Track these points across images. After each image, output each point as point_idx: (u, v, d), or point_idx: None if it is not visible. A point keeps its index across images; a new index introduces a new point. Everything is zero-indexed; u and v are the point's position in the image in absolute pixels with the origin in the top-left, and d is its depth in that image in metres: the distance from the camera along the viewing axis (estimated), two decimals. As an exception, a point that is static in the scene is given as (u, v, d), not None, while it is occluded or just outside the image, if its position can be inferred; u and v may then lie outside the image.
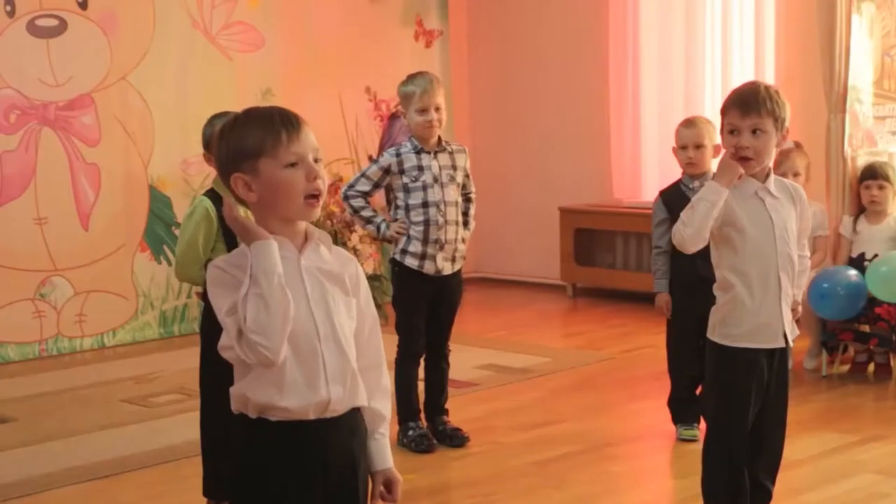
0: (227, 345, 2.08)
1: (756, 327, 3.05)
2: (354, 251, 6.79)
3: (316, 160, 2.15)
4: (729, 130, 3.03)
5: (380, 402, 2.27)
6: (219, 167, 2.21)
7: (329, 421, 2.15)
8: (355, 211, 4.38)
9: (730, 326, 3.07)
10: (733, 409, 3.08)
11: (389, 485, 2.26)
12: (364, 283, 2.26)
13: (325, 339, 2.14)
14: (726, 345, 3.08)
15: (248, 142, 2.12)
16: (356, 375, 2.18)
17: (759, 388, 3.07)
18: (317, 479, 2.15)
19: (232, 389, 2.17)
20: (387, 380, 2.30)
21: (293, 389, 2.11)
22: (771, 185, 3.07)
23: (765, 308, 3.05)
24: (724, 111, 3.07)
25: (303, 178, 2.12)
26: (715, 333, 3.12)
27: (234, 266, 2.10)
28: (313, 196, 2.14)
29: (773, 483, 3.20)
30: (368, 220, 4.38)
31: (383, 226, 4.35)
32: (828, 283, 5.12)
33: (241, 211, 3.41)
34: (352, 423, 2.19)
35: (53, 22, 6.26)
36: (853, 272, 5.17)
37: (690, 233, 2.98)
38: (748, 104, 3.00)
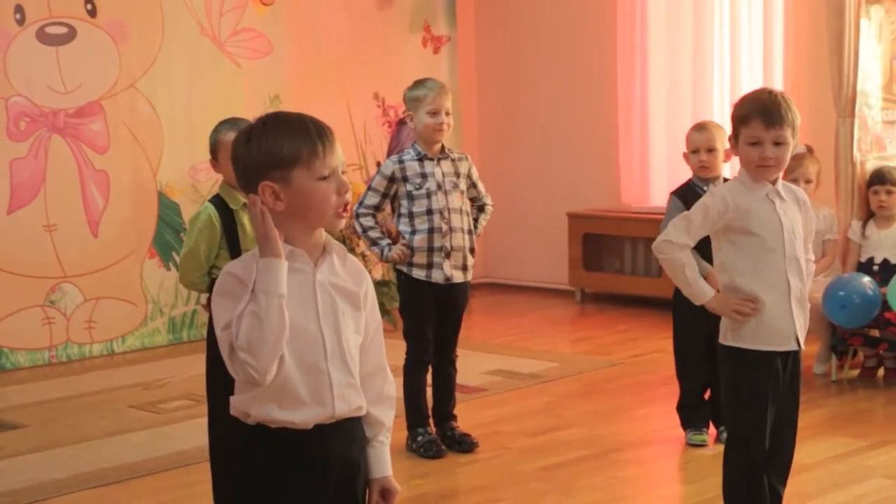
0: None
1: (768, 330, 3.04)
2: (363, 257, 6.80)
3: (343, 172, 2.15)
4: (751, 143, 3.01)
5: (381, 409, 2.25)
6: (242, 172, 2.13)
7: (327, 427, 2.14)
8: (364, 230, 4.38)
9: (742, 329, 3.05)
10: (752, 411, 3.06)
11: (386, 494, 2.24)
12: (372, 294, 2.25)
13: (331, 356, 2.13)
14: (741, 347, 3.06)
15: (282, 150, 2.08)
16: (358, 389, 2.18)
17: (775, 390, 3.05)
18: (316, 485, 2.14)
19: (232, 399, 2.16)
20: (390, 387, 2.28)
21: (297, 405, 2.10)
22: (780, 188, 3.08)
23: (775, 310, 3.03)
24: (744, 120, 3.03)
25: (334, 192, 2.11)
26: (727, 338, 3.10)
27: (247, 275, 2.07)
28: (342, 208, 2.14)
29: (784, 486, 3.18)
30: (374, 242, 4.38)
31: (386, 249, 4.35)
32: (843, 291, 5.10)
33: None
34: (350, 430, 2.18)
35: (63, 30, 6.28)
36: (867, 279, 5.16)
37: (663, 260, 3.11)
38: (772, 116, 2.99)
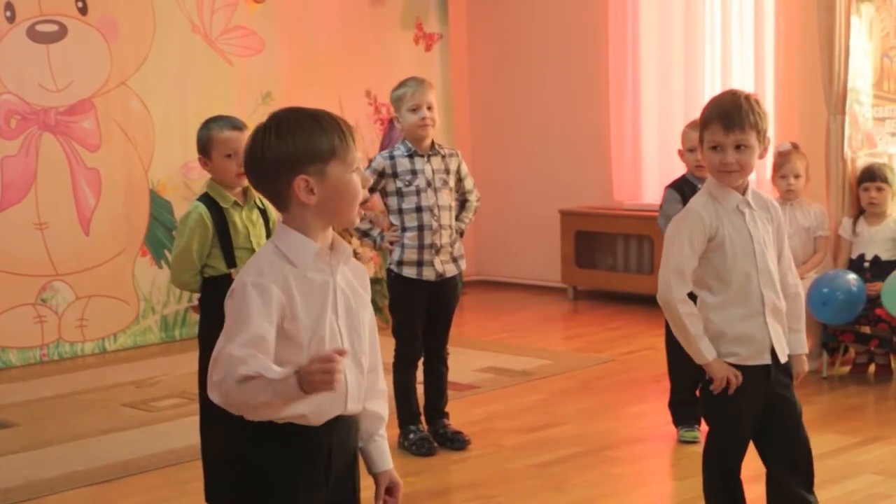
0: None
1: (739, 346, 2.95)
2: (354, 254, 6.79)
3: None
4: (711, 147, 2.93)
5: (378, 404, 2.28)
6: (272, 167, 2.10)
7: (331, 421, 2.16)
8: None
9: (716, 346, 2.96)
10: (727, 427, 3.02)
11: (392, 489, 2.26)
12: (368, 291, 2.27)
13: (346, 359, 2.11)
14: None
15: (321, 143, 2.09)
16: (364, 387, 2.21)
17: (753, 404, 2.98)
18: (320, 478, 2.16)
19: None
20: (384, 382, 2.31)
21: (312, 403, 2.08)
22: (749, 198, 2.99)
23: (747, 325, 2.95)
24: (705, 124, 2.95)
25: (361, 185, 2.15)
26: None
27: (281, 289, 2.06)
28: (365, 202, 2.20)
29: (812, 492, 3.06)
30: (365, 234, 4.39)
31: (378, 238, 4.36)
32: (827, 288, 5.11)
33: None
34: (350, 423, 2.21)
35: (53, 27, 6.27)
36: (852, 276, 5.17)
37: (669, 316, 2.97)
38: (731, 119, 2.89)
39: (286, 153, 2.09)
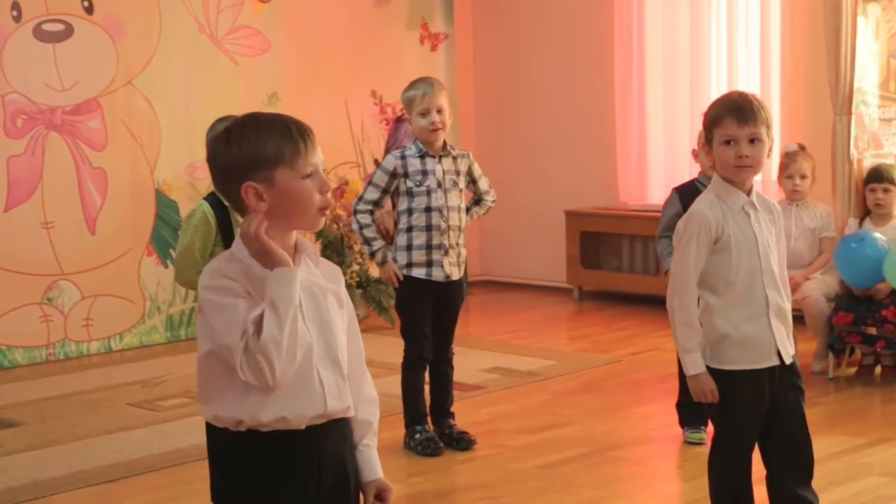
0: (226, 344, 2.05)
1: (744, 349, 2.95)
2: (361, 255, 6.80)
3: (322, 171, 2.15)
4: (725, 141, 2.94)
5: (367, 410, 2.24)
6: (223, 173, 2.11)
7: (319, 428, 2.13)
8: (360, 227, 4.35)
9: (720, 349, 2.96)
10: (732, 430, 3.01)
11: (382, 494, 2.22)
12: (347, 295, 2.26)
13: (320, 357, 2.12)
14: (719, 368, 2.97)
15: (265, 150, 2.07)
16: (348, 388, 2.18)
17: (758, 406, 2.98)
18: (311, 487, 2.12)
19: (214, 409, 2.13)
20: (370, 388, 2.27)
21: (291, 406, 2.09)
22: (754, 199, 2.99)
23: (752, 327, 2.95)
24: (716, 121, 2.96)
25: (317, 190, 2.11)
26: (706, 357, 3.00)
27: (241, 283, 2.06)
28: (324, 208, 2.13)
29: (811, 491, 3.05)
30: (367, 241, 4.36)
31: (379, 254, 4.33)
32: (856, 243, 5.13)
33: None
34: (341, 430, 2.17)
35: (60, 27, 6.28)
36: (883, 237, 5.19)
37: (672, 321, 2.98)
38: (745, 113, 2.92)
39: (234, 160, 2.09)
